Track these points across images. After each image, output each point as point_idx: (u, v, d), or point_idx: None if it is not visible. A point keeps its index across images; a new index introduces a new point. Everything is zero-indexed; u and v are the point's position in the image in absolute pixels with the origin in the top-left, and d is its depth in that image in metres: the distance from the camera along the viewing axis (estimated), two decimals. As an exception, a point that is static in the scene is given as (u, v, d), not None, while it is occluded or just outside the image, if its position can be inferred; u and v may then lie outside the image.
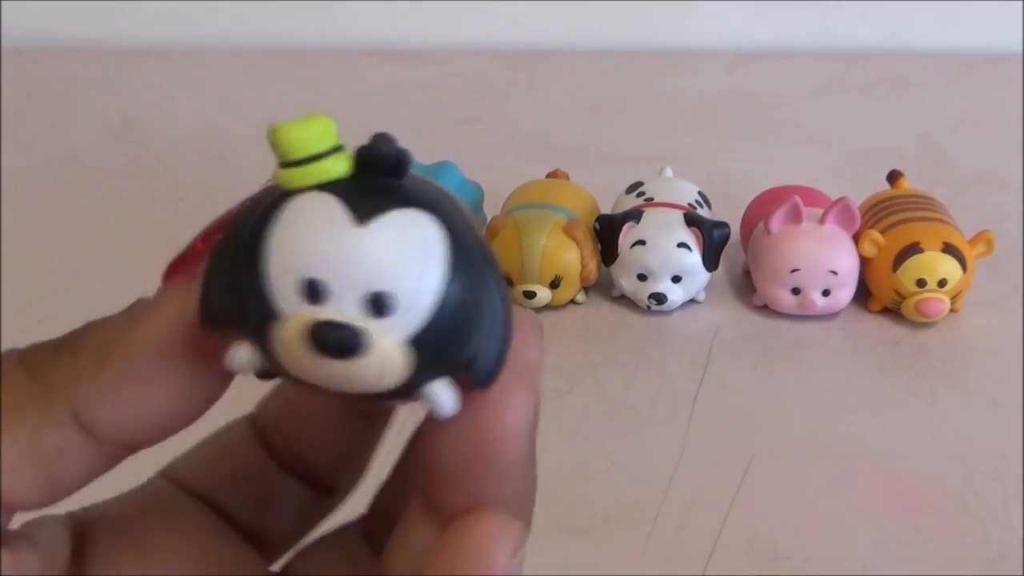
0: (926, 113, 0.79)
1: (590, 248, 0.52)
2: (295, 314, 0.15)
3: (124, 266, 0.57)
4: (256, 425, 0.20)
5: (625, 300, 0.54)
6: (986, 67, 0.86)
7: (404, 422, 0.21)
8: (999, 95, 0.81)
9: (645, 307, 0.53)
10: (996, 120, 0.77)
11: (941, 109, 0.79)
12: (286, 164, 0.15)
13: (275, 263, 0.15)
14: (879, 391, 0.49)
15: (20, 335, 0.57)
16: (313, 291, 0.15)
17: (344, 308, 0.15)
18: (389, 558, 0.18)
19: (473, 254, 0.16)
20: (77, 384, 0.16)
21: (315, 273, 0.15)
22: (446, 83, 0.83)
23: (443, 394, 0.16)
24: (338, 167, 0.15)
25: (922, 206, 0.54)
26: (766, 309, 0.54)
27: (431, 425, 0.17)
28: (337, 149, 0.16)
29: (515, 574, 0.17)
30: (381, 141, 0.16)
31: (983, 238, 0.52)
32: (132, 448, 0.16)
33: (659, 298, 0.52)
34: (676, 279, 0.52)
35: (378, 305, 0.15)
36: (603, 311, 0.54)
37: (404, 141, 0.16)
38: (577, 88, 0.82)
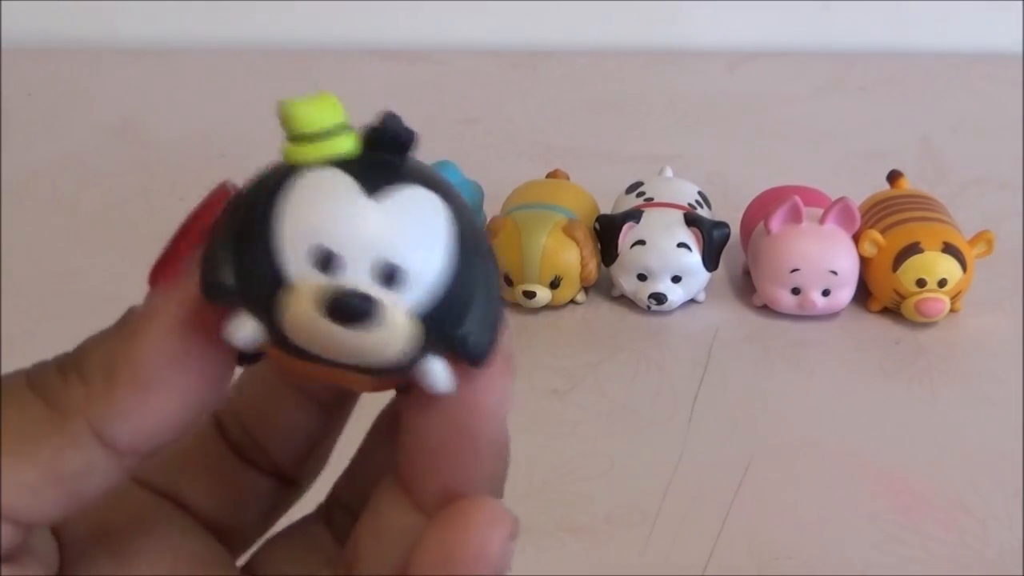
0: (926, 113, 0.79)
1: (590, 248, 0.52)
2: (307, 281, 0.15)
3: (124, 266, 0.57)
4: (216, 419, 0.21)
5: (625, 300, 0.54)
6: (986, 67, 0.86)
7: (364, 413, 0.21)
8: (999, 95, 0.81)
9: (645, 307, 0.53)
10: (996, 120, 0.77)
11: (941, 109, 0.79)
12: (295, 139, 0.16)
13: (287, 231, 0.15)
14: (879, 391, 0.49)
15: (20, 335, 0.57)
16: (325, 260, 0.15)
17: (357, 277, 0.15)
18: (360, 541, 0.18)
19: (474, 236, 0.16)
20: (91, 404, 0.16)
21: (327, 242, 0.15)
22: (446, 83, 0.83)
23: (440, 371, 0.16)
24: (346, 144, 0.16)
25: (922, 206, 0.54)
26: (766, 309, 0.54)
27: (413, 406, 0.17)
28: (344, 127, 0.16)
29: (509, 558, 0.17)
30: (389, 119, 0.16)
31: (983, 238, 0.52)
32: (152, 453, 0.17)
33: (659, 298, 0.52)
34: (676, 279, 0.52)
35: (389, 276, 0.15)
36: (603, 311, 0.54)
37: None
38: (577, 88, 0.82)
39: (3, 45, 0.85)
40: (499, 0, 0.89)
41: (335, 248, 0.15)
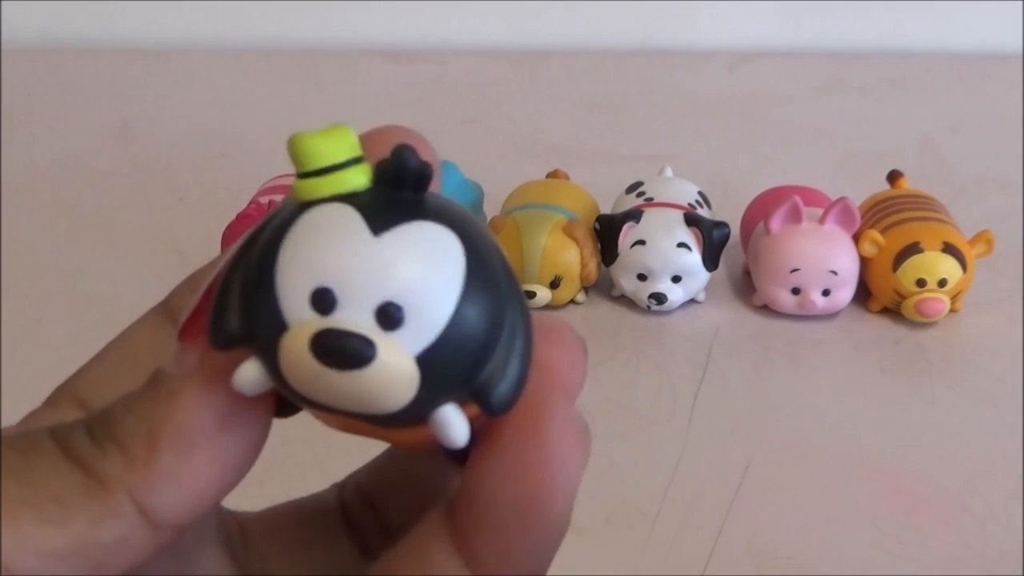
0: (926, 113, 0.79)
1: (590, 248, 0.52)
2: (302, 323, 0.14)
3: (124, 266, 0.57)
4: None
5: (625, 300, 0.54)
6: (986, 67, 0.86)
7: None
8: (999, 95, 0.81)
9: (645, 307, 0.53)
10: (996, 120, 0.77)
11: (941, 109, 0.79)
12: (304, 175, 0.15)
13: (287, 272, 0.14)
14: (879, 391, 0.49)
15: (20, 335, 0.57)
16: (322, 300, 0.14)
17: (353, 318, 0.14)
18: (394, 565, 0.17)
19: (495, 275, 0.15)
20: (132, 471, 0.15)
21: (325, 282, 0.14)
22: (446, 83, 0.83)
23: (453, 420, 0.15)
24: (357, 179, 0.15)
25: (922, 206, 0.54)
26: (766, 309, 0.54)
27: (474, 457, 0.16)
28: (357, 160, 0.15)
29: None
30: (403, 152, 0.15)
31: (983, 238, 0.52)
32: (188, 524, 0.16)
33: (659, 298, 0.52)
34: (676, 279, 0.52)
35: (387, 317, 0.14)
36: (603, 311, 0.54)
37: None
38: (577, 88, 0.82)
39: (3, 45, 0.85)
40: (499, 0, 0.89)
41: (332, 287, 0.14)
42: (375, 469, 0.21)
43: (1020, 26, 0.87)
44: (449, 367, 0.15)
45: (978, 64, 0.86)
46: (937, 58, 0.87)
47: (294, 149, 0.15)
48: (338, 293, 0.14)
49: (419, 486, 0.19)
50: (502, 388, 0.15)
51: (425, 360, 0.14)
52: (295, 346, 0.14)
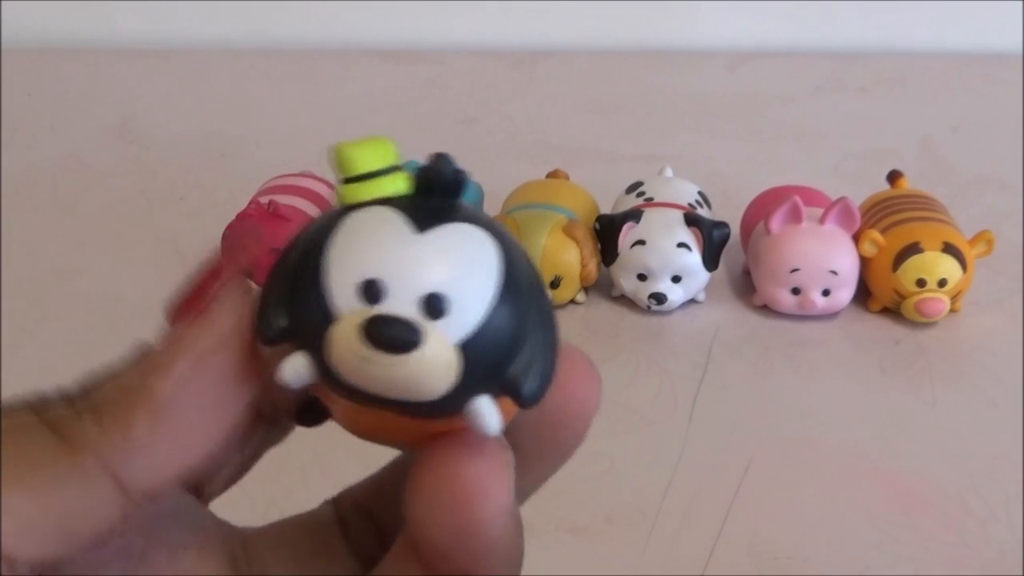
0: (926, 113, 0.79)
1: (590, 248, 0.52)
2: (352, 311, 0.15)
3: (124, 266, 0.57)
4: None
5: (625, 300, 0.54)
6: (986, 67, 0.86)
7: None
8: (999, 95, 0.81)
9: (645, 307, 0.53)
10: (996, 120, 0.77)
11: (941, 109, 0.79)
12: (347, 180, 0.16)
13: (336, 266, 0.16)
14: (879, 391, 0.49)
15: (20, 335, 0.57)
16: (371, 291, 0.15)
17: (400, 307, 0.15)
18: None
19: (525, 273, 0.16)
20: (105, 439, 0.16)
21: (373, 273, 0.15)
22: (446, 83, 0.83)
23: (488, 410, 0.16)
24: (397, 184, 0.16)
25: (922, 206, 0.54)
26: (766, 309, 0.54)
27: (407, 489, 0.17)
28: (396, 168, 0.16)
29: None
30: (440, 161, 0.16)
31: (983, 238, 0.52)
32: (160, 494, 0.16)
33: (659, 298, 0.52)
34: (676, 279, 0.52)
35: (432, 306, 0.15)
36: (603, 311, 0.54)
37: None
38: (577, 88, 0.82)
39: (3, 45, 0.85)
40: (499, 0, 0.89)
41: (380, 279, 0.15)
42: (373, 484, 0.21)
43: (1020, 26, 0.87)
44: (486, 357, 0.16)
45: (978, 64, 0.86)
46: (937, 58, 0.87)
47: (338, 156, 0.16)
48: (386, 284, 0.15)
49: None
50: (532, 381, 0.16)
51: (465, 349, 0.15)
52: (345, 332, 0.15)
